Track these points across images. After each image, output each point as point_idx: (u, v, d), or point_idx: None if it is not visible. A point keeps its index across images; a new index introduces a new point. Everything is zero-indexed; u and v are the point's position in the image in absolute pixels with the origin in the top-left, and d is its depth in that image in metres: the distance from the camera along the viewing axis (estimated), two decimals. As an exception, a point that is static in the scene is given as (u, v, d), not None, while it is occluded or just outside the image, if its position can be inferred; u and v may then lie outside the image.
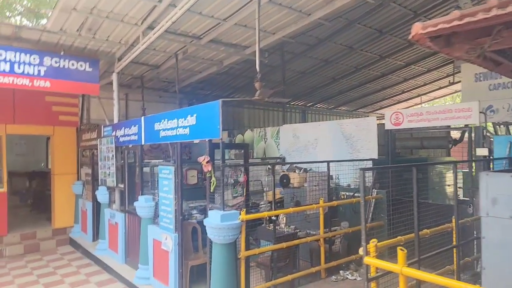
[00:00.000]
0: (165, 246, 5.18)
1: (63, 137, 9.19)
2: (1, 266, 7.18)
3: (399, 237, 3.33)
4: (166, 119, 5.28)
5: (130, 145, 6.47)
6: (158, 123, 5.48)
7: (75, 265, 7.23)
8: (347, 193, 6.11)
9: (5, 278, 6.49)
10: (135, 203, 5.85)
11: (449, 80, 11.85)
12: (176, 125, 5.03)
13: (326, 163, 5.70)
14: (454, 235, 4.13)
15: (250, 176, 7.64)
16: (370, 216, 5.97)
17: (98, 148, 7.74)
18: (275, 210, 4.97)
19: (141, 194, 6.05)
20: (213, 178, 4.38)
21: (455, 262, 4.10)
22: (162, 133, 5.38)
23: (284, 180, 5.03)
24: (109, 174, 7.27)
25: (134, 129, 6.22)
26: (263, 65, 8.91)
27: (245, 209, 4.37)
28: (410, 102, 15.49)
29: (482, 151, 5.20)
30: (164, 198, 5.29)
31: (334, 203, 5.51)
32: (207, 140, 4.48)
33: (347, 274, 5.29)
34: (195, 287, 5.25)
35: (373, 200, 6.01)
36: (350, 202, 5.72)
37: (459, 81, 12.72)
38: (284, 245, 4.73)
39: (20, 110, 8.48)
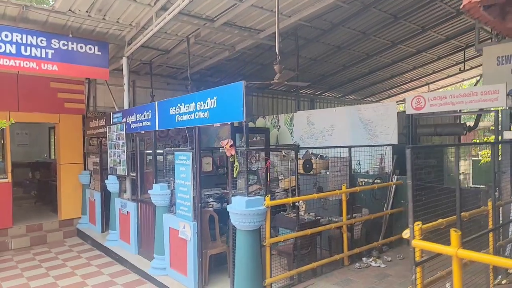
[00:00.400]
0: (183, 235, 5.00)
1: (68, 125, 8.95)
2: (8, 259, 6.99)
3: (440, 220, 3.14)
4: (182, 103, 5.06)
5: (143, 132, 6.25)
6: (174, 107, 5.26)
7: (85, 256, 7.05)
8: (365, 180, 5.93)
9: (13, 271, 6.29)
10: (150, 191, 5.65)
11: (460, 68, 11.64)
12: (194, 109, 4.81)
13: (345, 149, 5.53)
14: (490, 219, 3.95)
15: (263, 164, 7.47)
16: (390, 202, 5.80)
17: (107, 136, 7.52)
18: (298, 196, 4.78)
19: (155, 182, 5.86)
20: (236, 163, 4.18)
21: (491, 246, 3.93)
22: (179, 118, 5.16)
23: (307, 166, 4.85)
24: (119, 163, 7.06)
25: (147, 115, 6.00)
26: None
27: (269, 195, 4.18)
28: (417, 90, 15.28)
29: (510, 134, 5.01)
30: (181, 185, 5.09)
31: (357, 189, 5.33)
32: (229, 123, 4.27)
33: (371, 261, 5.14)
34: (213, 277, 5.10)
35: (393, 186, 5.84)
36: (372, 188, 5.55)
37: (470, 68, 12.54)
38: (308, 231, 4.56)
39: (24, 97, 8.21)
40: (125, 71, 7.05)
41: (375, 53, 10.43)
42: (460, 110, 5.65)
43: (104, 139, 8.48)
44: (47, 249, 7.64)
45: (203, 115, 4.64)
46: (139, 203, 6.52)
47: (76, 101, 9.05)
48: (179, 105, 5.14)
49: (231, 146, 4.09)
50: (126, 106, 7.01)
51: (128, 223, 6.73)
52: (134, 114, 6.45)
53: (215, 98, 4.43)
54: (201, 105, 4.66)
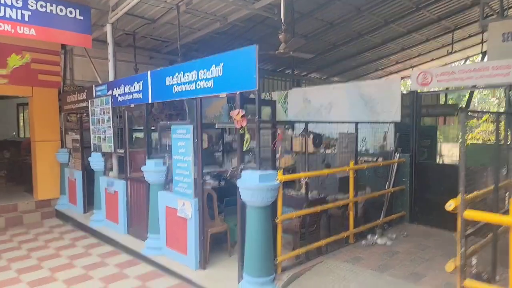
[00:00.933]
0: (182, 213, 4.69)
1: (43, 99, 8.24)
2: (-19, 240, 6.45)
3: (475, 192, 3.02)
4: (181, 72, 4.66)
5: (132, 105, 5.79)
6: (171, 77, 4.85)
7: (69, 238, 6.60)
8: (365, 158, 5.81)
9: (-11, 252, 5.80)
10: (143, 168, 5.27)
11: (448, 50, 11.73)
12: (195, 78, 4.44)
13: (343, 127, 5.36)
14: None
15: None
16: (392, 180, 5.73)
17: (90, 111, 6.96)
18: (306, 172, 4.58)
19: (148, 159, 5.47)
20: (247, 135, 3.89)
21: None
22: (177, 88, 4.76)
23: (317, 141, 4.64)
24: (104, 139, 6.57)
25: (138, 86, 5.54)
26: (270, 23, 8.32)
27: (282, 170, 3.94)
28: (401, 74, 15.37)
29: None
30: (180, 161, 4.75)
31: (364, 166, 5.19)
32: (238, 93, 3.95)
33: (376, 239, 5.07)
34: (212, 256, 4.86)
35: (395, 164, 5.76)
36: (377, 165, 5.44)
37: (458, 51, 12.67)
38: (318, 208, 4.39)
39: (-7, 67, 7.46)
40: (109, 39, 6.47)
41: (366, 32, 10.26)
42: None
43: (85, 114, 7.90)
44: (25, 230, 7.12)
45: (207, 84, 4.28)
46: (128, 181, 6.11)
47: (51, 73, 8.32)
48: (177, 74, 4.73)
49: (242, 116, 3.79)
50: (111, 78, 6.47)
51: (116, 202, 6.32)
52: (122, 85, 5.95)
53: (221, 65, 4.08)
54: (204, 74, 4.30)
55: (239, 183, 3.78)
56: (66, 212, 7.96)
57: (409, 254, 4.69)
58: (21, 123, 13.34)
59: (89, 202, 7.78)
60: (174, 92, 4.82)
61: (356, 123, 5.21)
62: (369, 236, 5.13)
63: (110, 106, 6.28)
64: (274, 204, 3.88)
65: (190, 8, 6.86)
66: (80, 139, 7.64)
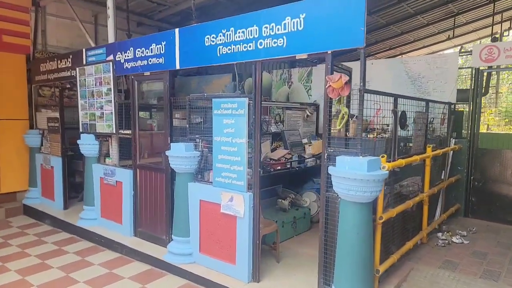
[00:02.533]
0: (230, 210, 3.67)
1: (7, 67, 6.60)
2: None
3: None
4: (231, 28, 3.57)
5: (147, 73, 4.55)
6: (213, 35, 3.73)
7: (51, 241, 5.26)
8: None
9: None
10: (168, 153, 4.12)
11: (449, 35, 11.45)
12: (256, 35, 3.38)
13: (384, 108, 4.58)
14: None
15: (287, 125, 6.27)
16: (448, 169, 5.11)
17: (78, 81, 5.56)
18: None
19: (171, 141, 4.33)
20: (344, 110, 2.97)
21: None
22: (223, 50, 3.66)
23: (402, 120, 3.82)
24: (101, 117, 5.25)
25: (158, 48, 4.32)
26: None
27: (385, 155, 3.07)
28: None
29: None
30: (227, 143, 3.69)
31: (439, 151, 4.45)
32: (329, 52, 2.99)
33: (451, 238, 4.41)
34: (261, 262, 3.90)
35: (451, 151, 5.14)
36: (447, 151, 4.70)
37: (460, 35, 12.45)
38: (410, 203, 3.58)
39: None
40: (108, -12, 5.10)
41: (376, 10, 9.58)
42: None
43: (68, 86, 6.44)
44: (-11, 233, 5.62)
45: (275, 42, 3.26)
46: (137, 170, 4.89)
47: (19, 34, 6.67)
48: (224, 31, 3.63)
49: (346, 83, 2.85)
50: (111, 39, 5.13)
51: (118, 196, 5.08)
52: (131, 49, 4.68)
53: (301, 16, 3.07)
54: (272, 29, 3.26)
55: (333, 171, 2.85)
56: (38, 208, 6.49)
57: (500, 255, 4.09)
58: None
59: (69, 197, 6.44)
60: (219, 54, 3.71)
61: (427, 101, 4.45)
62: (439, 234, 4.46)
63: (112, 74, 4.96)
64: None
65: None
66: (61, 117, 6.17)
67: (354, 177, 2.73)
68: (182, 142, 4.16)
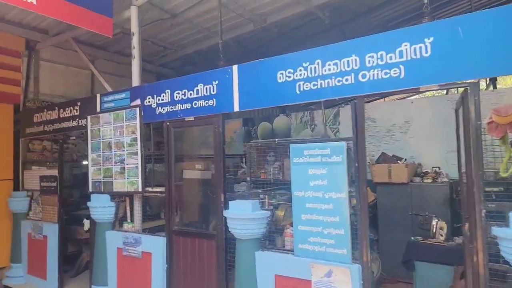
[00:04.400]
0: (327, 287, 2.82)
1: (-7, 119, 5.57)
2: None
3: None
4: (318, 60, 2.99)
5: (189, 118, 3.80)
6: (289, 70, 3.13)
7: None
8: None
9: None
10: (226, 214, 3.27)
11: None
12: (356, 67, 2.81)
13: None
14: None
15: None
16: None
17: (89, 132, 4.65)
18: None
19: (224, 198, 3.50)
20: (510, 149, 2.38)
21: None
22: (305, 86, 3.04)
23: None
24: (121, 173, 4.31)
25: (207, 89, 3.63)
26: (317, 24, 6.85)
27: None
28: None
29: None
30: (316, 199, 2.94)
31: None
32: (474, 81, 2.44)
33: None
34: None
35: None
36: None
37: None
38: None
39: None
40: (134, 27, 4.44)
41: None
42: None
43: (68, 139, 5.48)
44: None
45: (386, 73, 2.69)
46: (172, 237, 3.92)
47: (9, 81, 5.73)
48: (306, 64, 3.04)
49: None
50: (136, 82, 4.38)
51: (145, 271, 4.02)
52: (167, 91, 3.95)
53: (427, 41, 2.55)
54: (381, 58, 2.71)
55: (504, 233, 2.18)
56: (22, 289, 5.18)
57: None
58: None
59: (63, 274, 5.24)
60: (298, 91, 3.08)
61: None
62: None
63: (138, 122, 4.14)
64: None
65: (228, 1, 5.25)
66: (60, 174, 5.13)
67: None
68: (243, 199, 3.34)
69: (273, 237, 3.39)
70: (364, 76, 2.78)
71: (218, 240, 3.55)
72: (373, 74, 2.73)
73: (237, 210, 3.26)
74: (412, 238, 4.11)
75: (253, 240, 3.25)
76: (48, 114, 5.34)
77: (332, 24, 6.74)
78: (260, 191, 3.47)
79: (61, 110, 5.14)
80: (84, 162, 6.52)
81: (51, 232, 5.15)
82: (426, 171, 5.18)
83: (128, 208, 4.49)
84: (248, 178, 3.45)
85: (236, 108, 3.43)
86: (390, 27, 8.19)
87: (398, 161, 5.21)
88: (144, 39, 6.51)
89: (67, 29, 5.79)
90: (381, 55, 2.71)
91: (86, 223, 5.35)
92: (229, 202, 3.36)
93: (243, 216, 3.18)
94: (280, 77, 3.18)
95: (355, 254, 2.81)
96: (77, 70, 6.74)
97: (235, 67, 3.46)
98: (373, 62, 2.74)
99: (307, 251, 2.97)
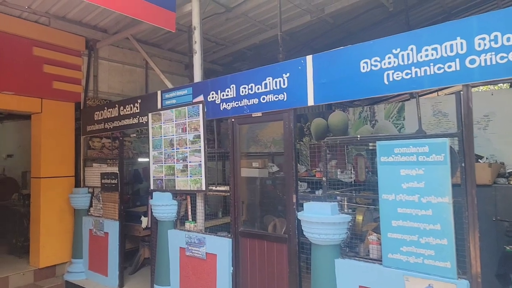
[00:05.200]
0: (426, 305, 2.47)
1: (56, 117, 5.71)
2: None
3: None
4: (411, 46, 2.64)
5: (256, 113, 3.58)
6: (375, 58, 2.80)
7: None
8: None
9: None
10: (301, 216, 3.01)
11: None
12: (461, 51, 2.44)
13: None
14: None
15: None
16: None
17: (150, 129, 4.59)
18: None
19: (296, 199, 3.24)
20: None
21: None
22: (395, 75, 2.71)
23: None
24: (183, 170, 4.20)
25: (276, 83, 3.39)
26: (377, 13, 6.45)
27: None
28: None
29: None
30: (410, 204, 2.60)
31: None
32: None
33: None
34: None
35: None
36: None
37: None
38: None
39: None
40: (195, 20, 4.30)
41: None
42: None
43: (127, 137, 5.51)
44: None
45: (501, 58, 2.29)
46: (239, 239, 3.74)
47: (70, 80, 5.85)
48: (397, 51, 2.70)
49: None
50: (197, 78, 4.24)
51: (210, 273, 3.88)
52: (232, 86, 3.76)
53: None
54: (493, 40, 2.31)
55: None
56: (85, 285, 5.27)
57: None
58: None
59: (123, 271, 5.24)
60: (387, 82, 2.74)
61: None
62: None
63: (201, 118, 4.00)
64: None
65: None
66: (120, 171, 5.15)
67: None
68: (317, 200, 3.07)
69: (352, 243, 3.09)
70: (472, 61, 2.39)
71: (290, 244, 3.31)
72: (485, 59, 2.34)
73: (314, 213, 2.99)
74: (508, 248, 3.62)
75: (332, 246, 2.97)
76: (109, 111, 5.38)
77: (393, 12, 6.26)
78: (337, 192, 3.17)
79: (121, 107, 5.15)
80: (140, 160, 6.61)
81: (112, 229, 5.19)
82: (511, 172, 4.60)
83: (189, 206, 4.38)
84: (324, 179, 3.16)
85: (311, 102, 3.16)
86: (454, 14, 7.59)
87: (479, 160, 4.68)
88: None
89: (126, 27, 5.84)
90: (495, 36, 2.31)
91: (144, 220, 5.37)
92: (304, 204, 3.10)
93: (322, 220, 2.91)
94: (364, 67, 2.86)
95: (461, 268, 2.44)
96: (132, 68, 6.81)
97: (309, 58, 3.18)
98: (485, 45, 2.34)
99: (399, 262, 2.64)
